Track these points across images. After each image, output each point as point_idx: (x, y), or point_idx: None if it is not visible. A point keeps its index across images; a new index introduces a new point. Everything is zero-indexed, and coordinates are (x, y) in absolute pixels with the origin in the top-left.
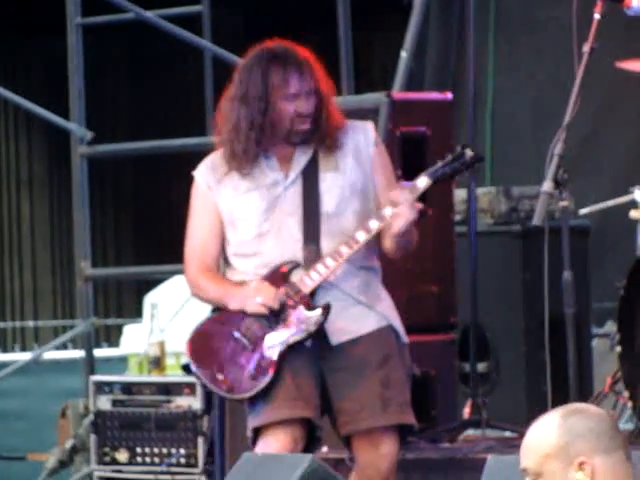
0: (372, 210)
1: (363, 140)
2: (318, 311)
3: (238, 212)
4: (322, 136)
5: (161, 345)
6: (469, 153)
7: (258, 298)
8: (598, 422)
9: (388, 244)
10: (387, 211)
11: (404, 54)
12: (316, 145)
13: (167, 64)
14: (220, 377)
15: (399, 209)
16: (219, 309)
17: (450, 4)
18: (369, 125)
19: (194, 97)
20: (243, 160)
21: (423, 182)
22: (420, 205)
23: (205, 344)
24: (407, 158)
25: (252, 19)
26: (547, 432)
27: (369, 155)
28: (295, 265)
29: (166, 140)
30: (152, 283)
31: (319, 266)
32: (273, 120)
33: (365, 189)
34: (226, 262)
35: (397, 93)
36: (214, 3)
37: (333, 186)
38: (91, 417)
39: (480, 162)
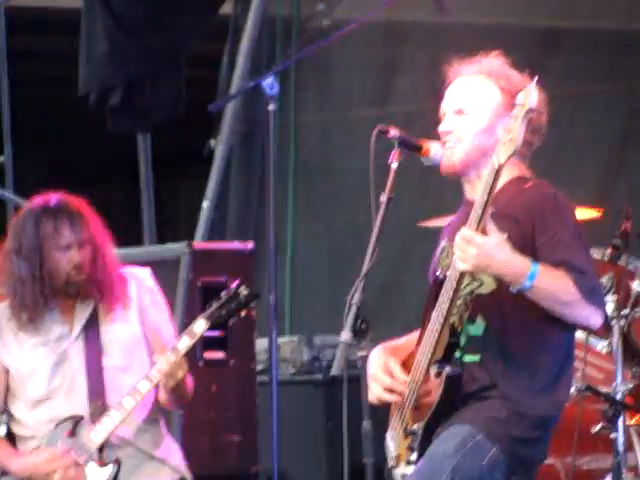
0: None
1: (141, 289)
2: (109, 468)
3: (27, 368)
4: (100, 288)
5: None
6: (244, 292)
7: (58, 466)
8: None
9: (163, 397)
10: (161, 364)
11: (206, 204)
12: (97, 297)
13: None
14: None
15: (168, 368)
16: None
17: (250, 154)
18: (146, 273)
19: None
20: (32, 311)
21: (201, 326)
22: (185, 365)
23: None
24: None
25: (56, 169)
26: None
27: (146, 303)
28: (79, 419)
29: None
30: None
31: (105, 419)
32: (50, 271)
33: (145, 338)
34: (9, 414)
35: (198, 243)
36: (19, 154)
37: (115, 339)
38: None
39: (255, 300)
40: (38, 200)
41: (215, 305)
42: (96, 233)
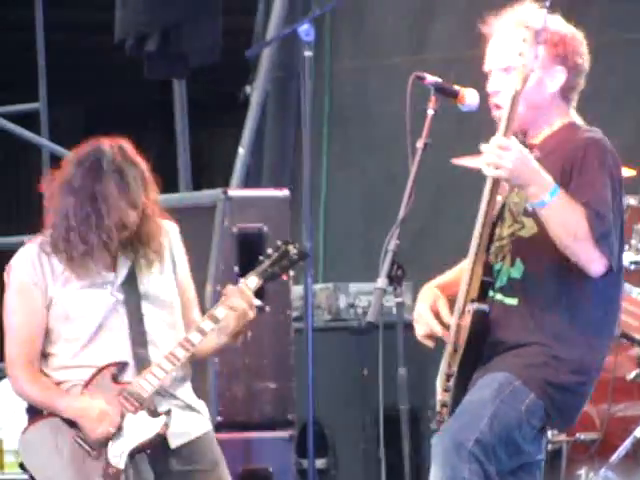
0: (189, 309)
1: (174, 243)
2: (162, 418)
3: (75, 309)
4: (142, 241)
5: None
6: (293, 250)
7: (102, 426)
8: None
9: (220, 341)
10: (220, 312)
11: (241, 151)
12: (138, 249)
13: (6, 161)
14: None
15: (237, 310)
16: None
17: (286, 101)
18: (175, 227)
19: (33, 194)
20: (84, 253)
21: (253, 282)
22: (258, 302)
23: (42, 448)
24: (244, 255)
25: (92, 116)
26: None
27: (175, 256)
28: (123, 365)
29: None
30: None
31: (155, 369)
32: (110, 223)
33: (179, 289)
34: (47, 355)
35: (234, 190)
36: (54, 100)
37: (154, 290)
38: None
39: (304, 259)
40: (104, 146)
41: (267, 262)
42: (150, 191)
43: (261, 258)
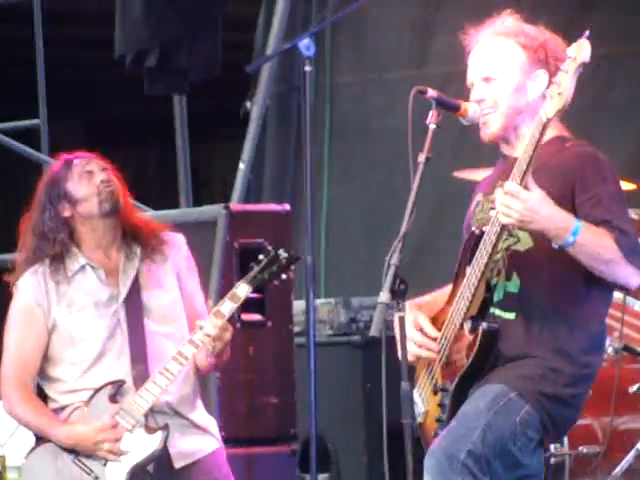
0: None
1: (178, 254)
2: (159, 434)
3: (78, 330)
4: (143, 244)
5: (2, 460)
6: (283, 254)
7: (105, 440)
8: None
9: (203, 362)
10: (208, 329)
11: (242, 166)
12: (140, 256)
13: (7, 176)
14: None
15: (216, 332)
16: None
17: (286, 116)
18: (181, 238)
19: None
20: (64, 264)
21: (244, 290)
22: (231, 328)
23: (43, 473)
24: (245, 269)
25: (92, 132)
26: None
27: (182, 269)
28: (121, 384)
29: None
30: None
31: (150, 385)
32: (78, 199)
33: (183, 304)
34: (45, 379)
35: (235, 205)
36: (53, 116)
37: (156, 304)
38: None
39: (296, 262)
40: (64, 158)
41: (257, 268)
42: (124, 192)
43: (251, 264)
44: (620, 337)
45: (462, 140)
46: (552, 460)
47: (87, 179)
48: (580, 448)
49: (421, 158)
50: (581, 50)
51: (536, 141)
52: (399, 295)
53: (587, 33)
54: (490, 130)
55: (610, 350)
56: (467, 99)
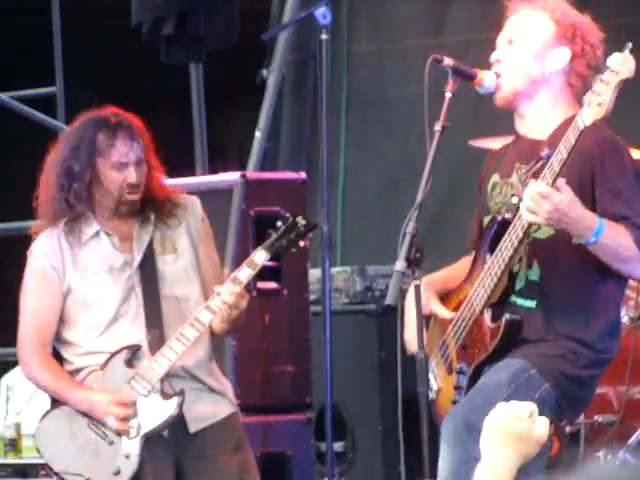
0: (203, 287)
1: (192, 217)
2: (174, 400)
3: (93, 294)
4: (157, 207)
5: (17, 427)
6: (301, 222)
7: (113, 413)
8: None
9: (218, 327)
10: (225, 296)
11: (258, 134)
12: (154, 222)
13: (24, 144)
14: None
15: (233, 299)
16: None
17: (303, 84)
18: (196, 201)
19: None
20: (80, 229)
21: (262, 257)
22: (247, 295)
23: (57, 436)
24: (260, 237)
25: (108, 100)
26: None
27: (197, 232)
28: (136, 349)
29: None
30: (8, 365)
31: (166, 350)
32: (101, 191)
33: (198, 268)
34: (61, 342)
35: (251, 173)
36: (68, 83)
37: (171, 269)
38: None
39: (314, 229)
40: (94, 113)
41: (275, 235)
42: (152, 155)
43: (269, 231)
44: (636, 306)
45: (478, 109)
46: (567, 429)
47: (119, 170)
48: (595, 417)
49: (437, 127)
50: (626, 65)
51: (571, 146)
52: (415, 263)
53: (629, 45)
54: (502, 94)
55: (626, 319)
56: (484, 68)
